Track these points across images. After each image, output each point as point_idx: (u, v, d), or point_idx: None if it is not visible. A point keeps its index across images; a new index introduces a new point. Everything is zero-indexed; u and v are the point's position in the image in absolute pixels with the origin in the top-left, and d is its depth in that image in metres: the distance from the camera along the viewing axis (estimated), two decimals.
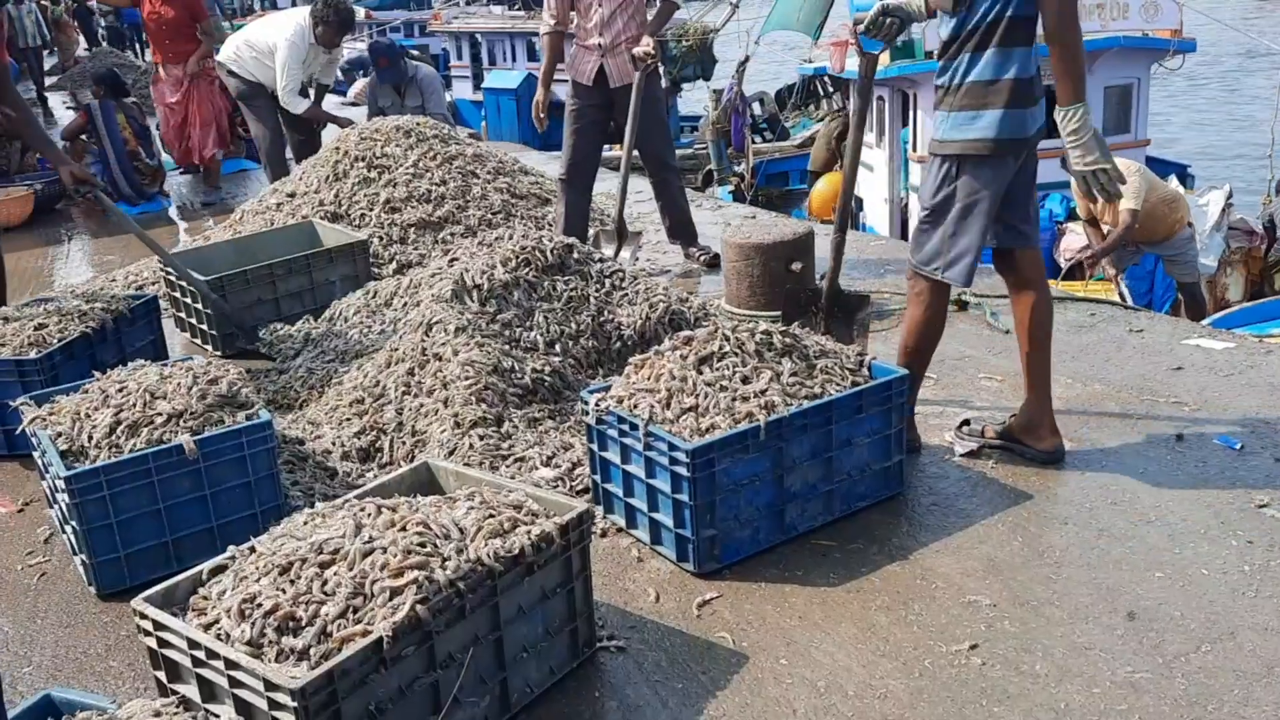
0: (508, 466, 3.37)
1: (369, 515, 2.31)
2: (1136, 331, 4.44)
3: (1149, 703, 2.29)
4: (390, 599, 2.09)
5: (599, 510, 3.20)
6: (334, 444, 3.65)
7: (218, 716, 1.95)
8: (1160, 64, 11.07)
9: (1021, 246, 3.27)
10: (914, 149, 11.10)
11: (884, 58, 11.27)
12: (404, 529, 2.24)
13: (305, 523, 2.36)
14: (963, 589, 2.75)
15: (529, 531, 2.34)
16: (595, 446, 3.17)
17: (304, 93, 7.32)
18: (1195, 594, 2.65)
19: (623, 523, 3.15)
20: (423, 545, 2.20)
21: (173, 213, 8.41)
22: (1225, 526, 2.93)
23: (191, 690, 2.13)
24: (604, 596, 2.82)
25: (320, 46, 6.94)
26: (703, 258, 5.77)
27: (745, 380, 3.04)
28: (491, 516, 2.36)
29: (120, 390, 3.13)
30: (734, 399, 2.97)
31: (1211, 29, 14.27)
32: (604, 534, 3.13)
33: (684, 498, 2.85)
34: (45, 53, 16.60)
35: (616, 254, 5.52)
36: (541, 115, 5.58)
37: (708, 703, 2.40)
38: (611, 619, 2.73)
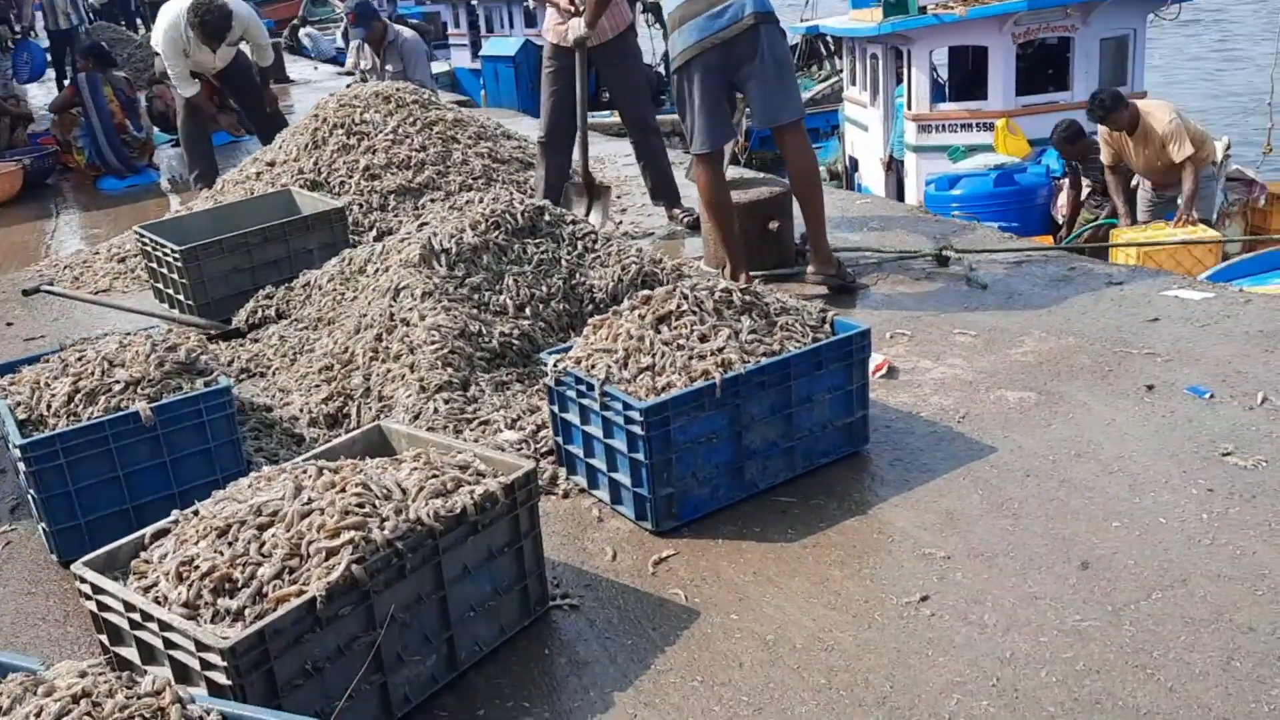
0: (472, 430, 3.37)
1: (310, 477, 2.31)
2: (1115, 284, 4.39)
3: (1095, 650, 2.28)
4: (326, 559, 2.09)
5: (562, 472, 3.20)
6: (301, 410, 3.65)
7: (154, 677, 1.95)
8: (1156, 14, 10.87)
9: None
10: (909, 107, 10.96)
11: (877, 14, 11.12)
12: (343, 490, 2.24)
13: (249, 486, 2.37)
14: (919, 542, 2.73)
15: (472, 491, 2.33)
16: (556, 408, 3.16)
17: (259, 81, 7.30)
18: (1151, 542, 2.63)
19: (585, 484, 3.14)
20: (361, 506, 2.19)
21: (163, 184, 8.40)
22: (1187, 475, 2.90)
23: (131, 653, 2.14)
24: (562, 556, 2.82)
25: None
26: (686, 219, 5.72)
27: (703, 339, 3.02)
28: (435, 477, 2.35)
29: (79, 359, 3.13)
30: (691, 357, 2.95)
31: None
32: (566, 495, 3.13)
33: (640, 456, 2.84)
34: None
35: (587, 211, 5.46)
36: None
37: (656, 658, 2.41)
38: (567, 578, 2.74)
